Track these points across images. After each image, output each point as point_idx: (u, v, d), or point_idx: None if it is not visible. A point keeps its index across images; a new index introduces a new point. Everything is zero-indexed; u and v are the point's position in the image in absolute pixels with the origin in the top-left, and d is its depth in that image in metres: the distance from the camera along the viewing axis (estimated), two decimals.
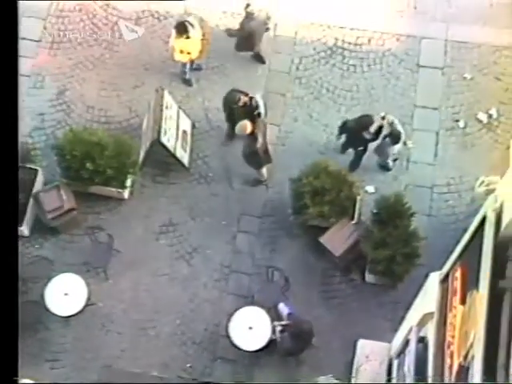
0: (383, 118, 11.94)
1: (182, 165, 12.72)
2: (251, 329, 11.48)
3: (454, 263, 8.25)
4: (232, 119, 12.37)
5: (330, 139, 12.83)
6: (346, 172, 12.09)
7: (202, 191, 12.75)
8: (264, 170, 12.51)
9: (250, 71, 13.46)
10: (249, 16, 12.74)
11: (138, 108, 13.17)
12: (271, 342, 11.27)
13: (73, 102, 13.36)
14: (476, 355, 6.88)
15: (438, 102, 13.22)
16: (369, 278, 12.01)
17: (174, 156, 12.47)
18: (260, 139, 11.79)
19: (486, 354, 6.72)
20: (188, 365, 11.73)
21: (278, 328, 11.04)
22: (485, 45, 13.51)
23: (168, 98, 12.45)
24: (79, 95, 13.40)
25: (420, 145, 12.82)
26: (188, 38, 12.37)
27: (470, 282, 7.51)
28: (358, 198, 12.01)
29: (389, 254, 11.29)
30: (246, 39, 13.02)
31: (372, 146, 12.26)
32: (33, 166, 12.35)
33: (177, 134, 12.50)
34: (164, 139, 12.13)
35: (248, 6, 12.70)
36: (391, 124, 11.95)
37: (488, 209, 7.30)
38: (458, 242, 8.26)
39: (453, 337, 7.77)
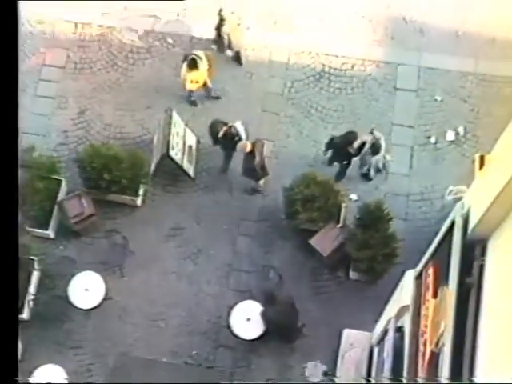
0: (371, 132, 12.01)
1: (189, 176, 12.72)
2: (249, 320, 11.53)
3: (427, 262, 8.30)
4: (219, 144, 12.40)
5: (319, 153, 12.83)
6: (333, 182, 12.10)
7: (206, 199, 12.75)
8: (261, 181, 12.50)
9: (248, 93, 13.52)
10: (222, 19, 12.81)
11: (150, 126, 13.15)
12: (266, 332, 11.32)
13: (92, 120, 13.36)
14: (446, 343, 6.94)
15: (413, 121, 13.23)
16: (353, 275, 12.03)
17: (181, 168, 12.48)
18: (257, 157, 11.79)
19: (454, 341, 6.78)
20: (194, 352, 11.75)
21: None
22: (453, 71, 13.52)
23: (176, 117, 12.46)
24: (98, 115, 13.40)
25: (397, 158, 12.79)
26: (197, 70, 12.43)
27: (441, 279, 7.57)
28: (343, 204, 12.02)
29: (370, 254, 11.31)
30: (225, 40, 13.06)
31: (356, 159, 12.32)
32: (57, 177, 12.35)
33: (184, 149, 12.50)
34: (172, 153, 12.15)
35: (221, 10, 12.79)
36: (378, 139, 11.99)
37: (456, 214, 7.37)
38: (430, 243, 8.31)
39: (426, 326, 7.81)
